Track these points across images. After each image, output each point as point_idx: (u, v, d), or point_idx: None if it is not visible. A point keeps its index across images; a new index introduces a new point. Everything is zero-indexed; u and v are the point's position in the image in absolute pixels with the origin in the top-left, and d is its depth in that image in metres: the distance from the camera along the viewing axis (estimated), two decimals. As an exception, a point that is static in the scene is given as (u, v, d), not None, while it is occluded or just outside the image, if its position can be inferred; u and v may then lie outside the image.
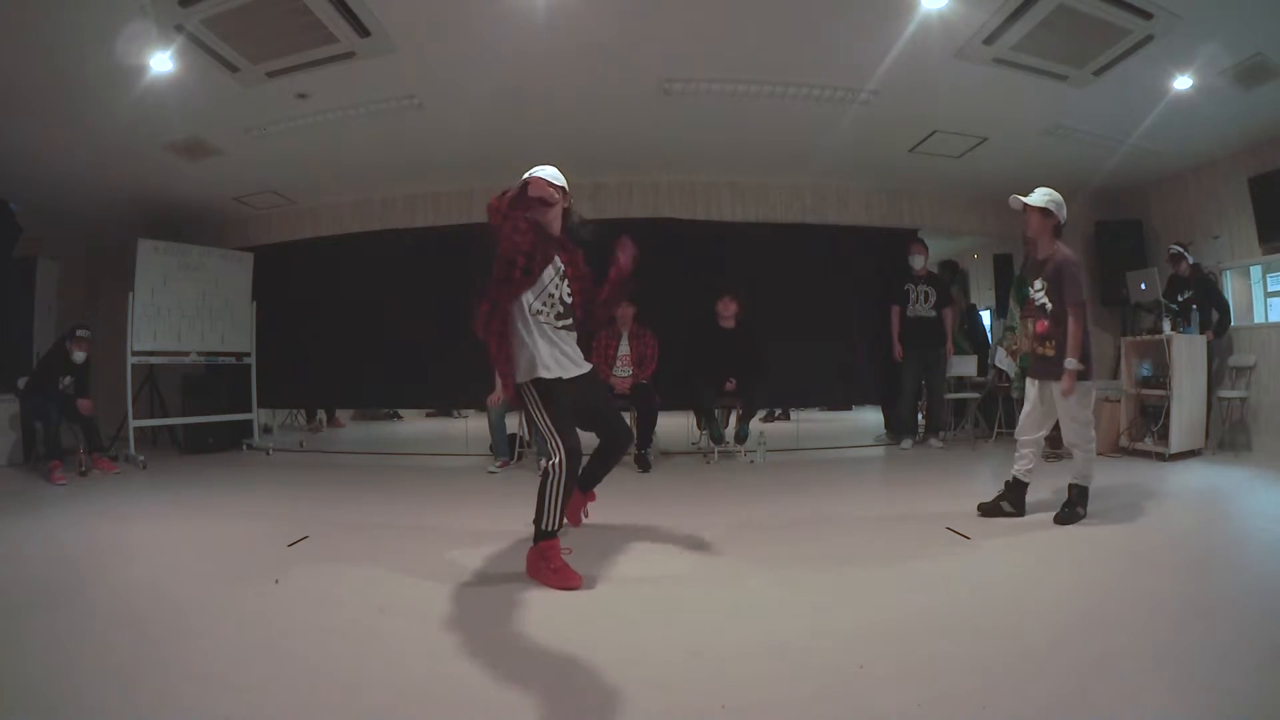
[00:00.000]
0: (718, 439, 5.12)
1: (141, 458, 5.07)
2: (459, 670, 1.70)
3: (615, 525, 2.99)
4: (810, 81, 4.21)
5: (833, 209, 6.01)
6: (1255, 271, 5.32)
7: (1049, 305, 3.06)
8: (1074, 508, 3.03)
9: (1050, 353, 3.03)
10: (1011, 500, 3.16)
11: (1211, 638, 1.79)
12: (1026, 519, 3.09)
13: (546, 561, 2.35)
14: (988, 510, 3.17)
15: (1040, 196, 3.04)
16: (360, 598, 2.21)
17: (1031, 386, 3.19)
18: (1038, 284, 3.11)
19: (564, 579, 2.31)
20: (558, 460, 2.33)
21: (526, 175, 2.46)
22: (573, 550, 2.45)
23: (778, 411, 7.76)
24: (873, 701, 1.51)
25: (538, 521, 2.39)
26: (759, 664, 1.72)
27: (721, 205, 5.89)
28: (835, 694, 1.56)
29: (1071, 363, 2.93)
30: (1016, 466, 3.18)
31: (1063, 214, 3.05)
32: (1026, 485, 3.17)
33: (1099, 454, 4.87)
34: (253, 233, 6.41)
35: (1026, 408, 3.21)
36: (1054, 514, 3.03)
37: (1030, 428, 3.19)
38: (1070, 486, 3.08)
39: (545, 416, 2.41)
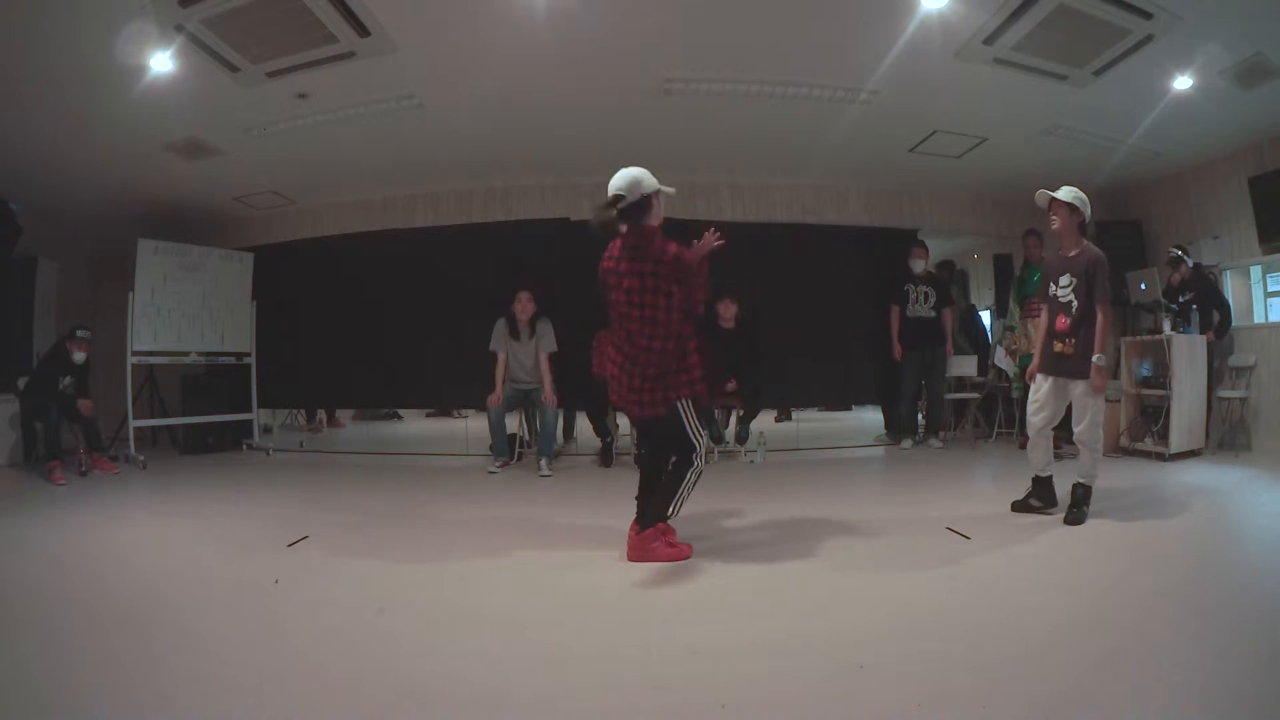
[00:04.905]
0: (718, 439, 5.12)
1: (141, 458, 5.08)
2: (459, 670, 1.70)
3: (614, 525, 2.98)
4: (810, 81, 4.21)
5: (833, 209, 6.01)
6: (1255, 271, 5.31)
7: (1075, 302, 3.01)
8: (1080, 508, 3.02)
9: (1070, 350, 3.00)
10: (1040, 496, 3.18)
11: (1211, 636, 1.79)
12: (1026, 520, 3.09)
13: (666, 539, 2.63)
14: (1019, 507, 3.20)
15: (1067, 193, 3.01)
16: (360, 598, 2.21)
17: (1045, 382, 3.14)
18: (1064, 280, 3.07)
19: (682, 551, 2.62)
20: (701, 462, 2.67)
21: (651, 189, 2.79)
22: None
23: (776, 412, 7.75)
24: (873, 701, 1.51)
25: (663, 507, 2.63)
26: (758, 663, 1.71)
27: (721, 205, 5.88)
28: (835, 694, 1.55)
29: (1100, 358, 2.93)
30: (1035, 464, 3.18)
31: (1088, 211, 3.04)
32: (1050, 478, 3.18)
33: (1098, 454, 4.92)
34: (253, 233, 6.40)
35: (1036, 403, 3.18)
36: (1062, 515, 3.03)
37: (1041, 423, 3.17)
38: (1076, 486, 3.06)
39: (697, 421, 2.66)
